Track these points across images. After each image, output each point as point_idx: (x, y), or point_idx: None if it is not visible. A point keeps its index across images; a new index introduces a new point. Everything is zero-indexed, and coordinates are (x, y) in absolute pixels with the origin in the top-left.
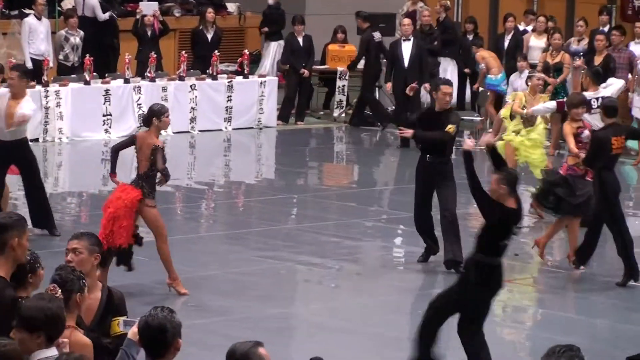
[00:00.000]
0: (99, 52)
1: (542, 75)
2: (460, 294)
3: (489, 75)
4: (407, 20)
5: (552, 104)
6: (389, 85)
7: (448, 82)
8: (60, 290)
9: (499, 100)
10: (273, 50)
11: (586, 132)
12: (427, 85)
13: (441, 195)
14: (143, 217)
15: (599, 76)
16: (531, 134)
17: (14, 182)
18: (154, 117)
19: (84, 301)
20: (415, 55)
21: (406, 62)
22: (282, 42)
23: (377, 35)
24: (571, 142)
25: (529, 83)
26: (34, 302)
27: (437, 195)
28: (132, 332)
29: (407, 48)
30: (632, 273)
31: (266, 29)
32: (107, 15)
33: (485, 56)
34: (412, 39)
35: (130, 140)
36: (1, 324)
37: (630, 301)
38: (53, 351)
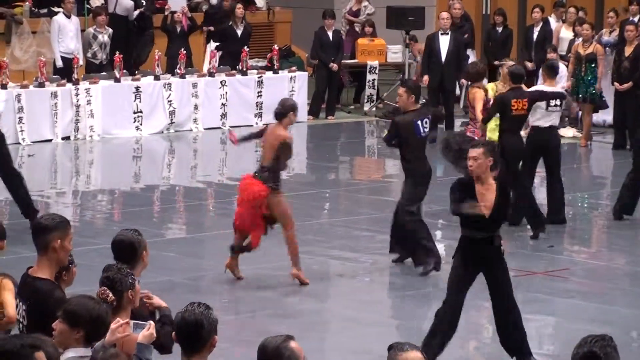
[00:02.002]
0: (133, 48)
1: (512, 62)
2: None
3: None
4: (445, 14)
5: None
6: (426, 78)
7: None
8: (110, 294)
9: None
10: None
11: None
12: (463, 80)
13: None
14: (270, 208)
15: (553, 70)
16: None
17: (45, 180)
18: (292, 111)
19: (137, 295)
20: (453, 49)
21: (443, 56)
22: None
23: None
24: (479, 108)
25: (500, 71)
26: (81, 299)
27: None
28: (143, 335)
29: (444, 42)
30: (538, 225)
31: (211, 28)
32: (136, 13)
33: (420, 48)
34: (449, 32)
35: (260, 132)
36: (48, 325)
37: None
38: (88, 352)
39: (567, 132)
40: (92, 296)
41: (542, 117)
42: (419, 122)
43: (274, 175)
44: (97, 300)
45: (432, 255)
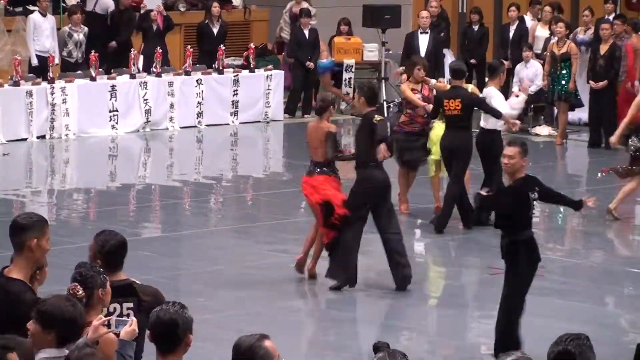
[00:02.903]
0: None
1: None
2: None
3: (320, 60)
4: (424, 13)
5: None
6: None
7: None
8: (81, 289)
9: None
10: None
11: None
12: (441, 79)
13: None
14: None
15: (491, 69)
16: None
17: (20, 179)
18: (331, 105)
19: (107, 295)
20: (432, 48)
21: (422, 56)
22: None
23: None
24: (415, 98)
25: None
26: (55, 300)
27: None
28: (125, 331)
29: (423, 41)
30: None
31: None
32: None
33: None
34: (428, 32)
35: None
36: (22, 327)
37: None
38: (63, 352)
39: (543, 130)
40: (69, 297)
41: (484, 119)
42: None
43: (332, 167)
44: (72, 302)
45: (346, 271)
